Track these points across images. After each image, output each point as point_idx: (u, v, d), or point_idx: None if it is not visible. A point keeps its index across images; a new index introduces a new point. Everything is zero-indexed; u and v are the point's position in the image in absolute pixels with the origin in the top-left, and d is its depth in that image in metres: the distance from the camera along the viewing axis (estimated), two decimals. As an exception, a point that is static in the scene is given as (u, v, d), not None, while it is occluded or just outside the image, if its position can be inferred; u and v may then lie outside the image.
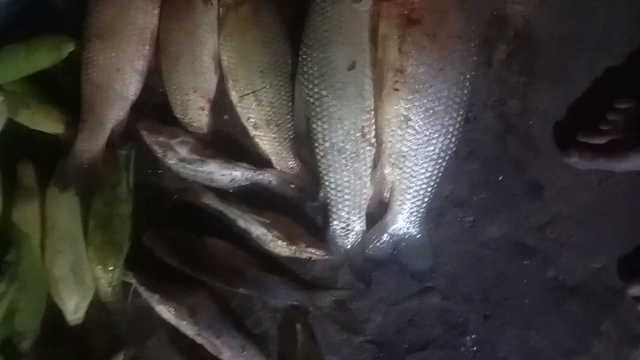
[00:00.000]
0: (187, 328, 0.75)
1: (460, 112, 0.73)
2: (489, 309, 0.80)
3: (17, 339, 0.75)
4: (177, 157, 0.77)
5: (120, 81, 0.77)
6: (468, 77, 0.72)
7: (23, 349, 0.75)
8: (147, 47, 0.78)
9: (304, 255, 0.78)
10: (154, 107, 0.81)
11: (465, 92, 0.72)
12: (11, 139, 0.77)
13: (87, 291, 0.76)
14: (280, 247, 0.78)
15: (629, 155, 0.72)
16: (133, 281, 0.76)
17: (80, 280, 0.75)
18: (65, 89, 0.80)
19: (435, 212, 0.80)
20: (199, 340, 0.75)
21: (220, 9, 0.78)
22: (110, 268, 0.75)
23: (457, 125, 0.73)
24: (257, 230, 0.78)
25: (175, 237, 0.78)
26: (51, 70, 0.79)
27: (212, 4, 0.77)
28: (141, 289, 0.76)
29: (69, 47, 0.77)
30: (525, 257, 0.80)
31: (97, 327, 0.79)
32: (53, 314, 0.76)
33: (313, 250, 0.77)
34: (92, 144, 0.77)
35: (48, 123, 0.78)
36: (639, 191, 0.78)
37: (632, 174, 0.74)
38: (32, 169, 0.77)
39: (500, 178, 0.79)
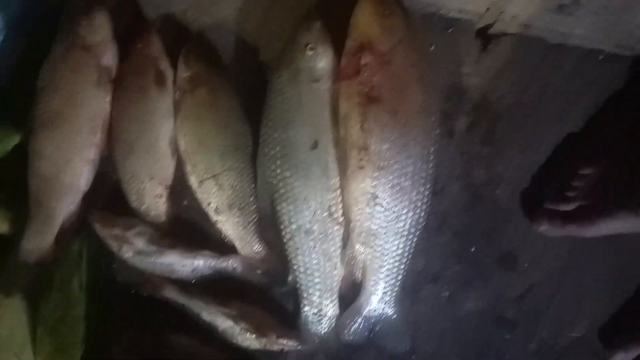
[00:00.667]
0: None
1: (427, 186, 0.71)
2: (474, 389, 0.77)
3: None
4: (134, 249, 0.73)
5: (70, 173, 0.73)
6: (432, 150, 0.71)
7: None
8: (99, 135, 0.74)
9: (276, 347, 0.73)
10: (107, 196, 0.77)
11: (430, 165, 0.71)
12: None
13: (36, 408, 0.69)
14: (249, 339, 0.73)
15: (598, 221, 0.72)
16: (88, 392, 0.69)
17: (27, 396, 0.68)
18: (8, 184, 0.74)
19: (410, 289, 0.77)
20: None
21: (176, 93, 0.75)
22: (61, 379, 0.69)
23: (425, 199, 0.72)
24: (224, 323, 0.73)
25: (132, 338, 0.73)
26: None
27: (166, 88, 0.75)
28: (97, 400, 0.69)
29: (14, 140, 0.73)
30: (506, 331, 0.77)
31: None
32: None
33: (285, 341, 0.73)
34: (40, 241, 0.72)
35: (-10, 221, 0.73)
36: (610, 255, 0.78)
37: (603, 238, 0.74)
38: (-28, 273, 0.71)
39: (473, 249, 0.78)
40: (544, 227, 0.75)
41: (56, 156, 0.72)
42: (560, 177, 0.75)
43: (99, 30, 0.74)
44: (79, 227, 0.75)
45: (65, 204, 0.73)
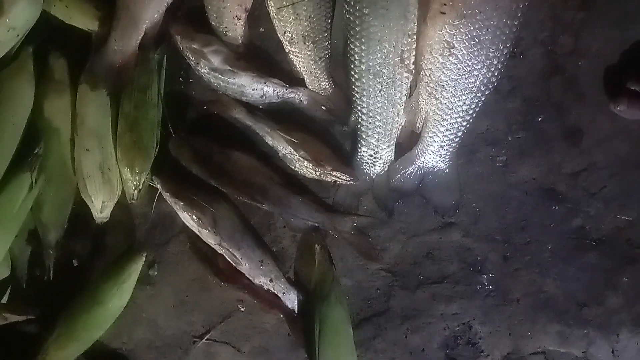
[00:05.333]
0: (208, 236, 0.76)
1: (507, 45, 0.69)
2: (509, 250, 0.79)
3: (43, 231, 0.77)
4: (209, 66, 0.76)
5: (157, -19, 0.74)
6: (521, 6, 0.68)
7: (49, 241, 0.77)
8: (186, -53, 0.74)
9: (329, 178, 0.77)
10: (189, 13, 0.79)
11: (516, 23, 0.68)
12: (44, 30, 0.76)
13: (114, 191, 0.77)
14: (306, 167, 0.77)
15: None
16: (159, 186, 0.77)
17: (107, 180, 0.76)
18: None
19: (467, 149, 0.78)
20: (219, 249, 0.76)
21: None
22: (137, 171, 0.76)
23: (502, 59, 0.69)
24: (285, 148, 0.77)
25: (200, 147, 0.78)
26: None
27: None
28: (166, 195, 0.76)
29: (107, -59, 0.75)
30: (554, 203, 0.78)
31: (120, 228, 0.80)
32: (79, 212, 0.78)
33: (339, 174, 0.76)
34: (125, 43, 0.75)
35: (81, 18, 0.76)
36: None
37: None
38: (64, 62, 0.77)
39: (539, 119, 0.76)
40: (621, 107, 0.73)
41: (144, -37, 0.74)
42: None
43: None
44: (161, 38, 0.78)
45: (150, 11, 0.75)
